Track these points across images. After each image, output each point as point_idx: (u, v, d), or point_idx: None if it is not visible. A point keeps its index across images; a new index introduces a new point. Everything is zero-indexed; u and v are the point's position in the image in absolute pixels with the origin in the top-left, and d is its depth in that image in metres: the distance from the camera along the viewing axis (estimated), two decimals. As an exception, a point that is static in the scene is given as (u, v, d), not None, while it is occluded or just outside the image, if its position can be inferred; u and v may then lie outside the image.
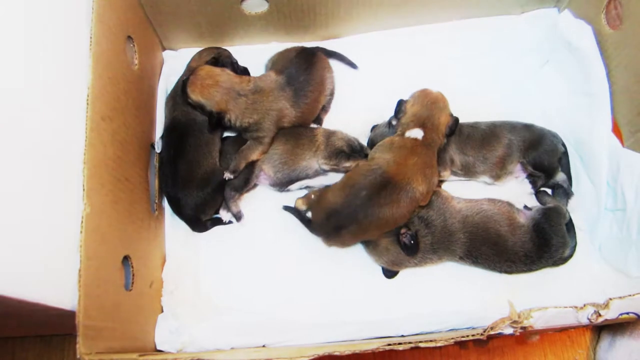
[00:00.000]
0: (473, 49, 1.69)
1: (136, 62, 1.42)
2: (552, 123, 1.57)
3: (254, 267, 1.49)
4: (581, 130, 1.51)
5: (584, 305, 1.02)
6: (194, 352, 1.28)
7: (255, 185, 1.56)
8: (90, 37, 1.16)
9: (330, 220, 1.36)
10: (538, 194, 1.53)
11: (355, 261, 1.48)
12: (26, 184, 1.01)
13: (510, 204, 1.46)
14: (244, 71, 1.59)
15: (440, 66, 1.69)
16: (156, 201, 1.48)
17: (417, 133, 1.39)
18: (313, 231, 1.44)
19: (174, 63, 1.65)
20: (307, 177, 1.51)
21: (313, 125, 1.60)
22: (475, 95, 1.65)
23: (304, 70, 1.51)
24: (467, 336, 1.01)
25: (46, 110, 1.09)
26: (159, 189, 1.49)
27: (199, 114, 1.48)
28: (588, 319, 1.02)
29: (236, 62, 1.60)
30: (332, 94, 1.63)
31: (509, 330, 1.02)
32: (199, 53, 1.61)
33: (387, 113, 1.50)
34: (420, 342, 1.00)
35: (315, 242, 1.46)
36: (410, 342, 1.00)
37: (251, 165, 1.49)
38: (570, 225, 1.45)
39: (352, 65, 1.68)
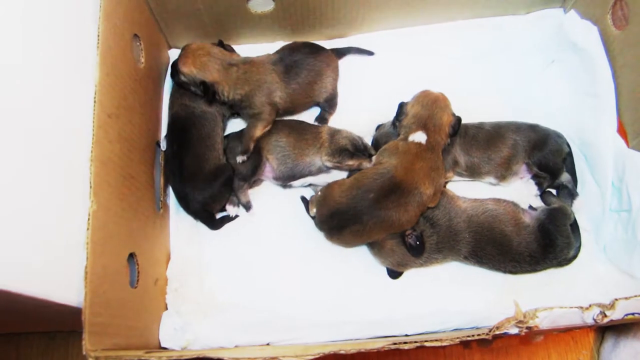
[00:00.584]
0: (478, 49, 1.69)
1: (142, 60, 1.42)
2: (557, 123, 1.56)
3: (258, 265, 1.49)
4: (586, 131, 1.51)
5: (590, 306, 1.01)
6: (198, 350, 1.28)
7: (260, 181, 1.57)
8: (98, 35, 1.16)
9: (333, 218, 1.37)
10: (543, 194, 1.53)
11: (360, 260, 1.48)
12: (33, 181, 1.02)
13: (515, 204, 1.46)
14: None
15: (446, 66, 1.69)
16: (161, 199, 1.48)
17: (420, 137, 1.39)
18: (317, 226, 1.44)
19: (180, 62, 1.65)
20: (309, 173, 1.51)
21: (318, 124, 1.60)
22: (480, 95, 1.65)
23: (302, 53, 1.54)
24: (473, 336, 1.01)
25: (53, 107, 1.10)
26: (164, 187, 1.50)
27: (196, 105, 1.49)
28: (594, 319, 1.02)
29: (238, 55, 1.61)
30: (332, 95, 1.61)
31: (514, 330, 1.01)
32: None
33: (392, 112, 1.50)
34: (426, 341, 1.00)
35: (320, 240, 1.46)
36: (415, 342, 1.00)
37: (258, 154, 1.49)
38: (575, 226, 1.45)
39: (369, 53, 1.69)
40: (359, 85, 1.66)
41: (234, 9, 1.55)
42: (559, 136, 1.53)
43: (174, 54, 1.68)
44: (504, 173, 1.52)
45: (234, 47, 1.64)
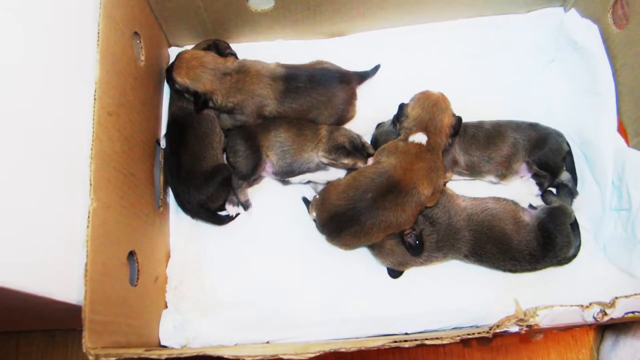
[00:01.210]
0: (479, 48, 1.69)
1: (142, 58, 1.42)
2: (557, 122, 1.57)
3: (258, 262, 1.49)
4: (586, 130, 1.51)
5: (590, 304, 1.01)
6: (198, 348, 1.29)
7: (260, 178, 1.57)
8: (98, 33, 1.16)
9: (333, 221, 1.37)
10: (543, 193, 1.53)
11: (360, 258, 1.48)
12: (33, 179, 1.01)
13: (515, 203, 1.46)
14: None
15: (446, 65, 1.69)
16: (161, 197, 1.48)
17: (420, 138, 1.39)
18: (318, 229, 1.44)
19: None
20: (308, 170, 1.51)
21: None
22: (480, 93, 1.65)
23: (310, 82, 1.49)
24: (473, 334, 1.01)
25: (53, 105, 1.10)
26: (164, 185, 1.50)
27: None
28: (594, 317, 1.02)
29: (234, 53, 1.60)
30: (338, 121, 1.57)
31: (514, 329, 1.02)
32: (197, 45, 1.62)
33: (392, 111, 1.50)
34: (426, 339, 1.00)
35: (319, 239, 1.46)
36: (415, 340, 1.00)
37: (258, 152, 1.49)
38: (574, 225, 1.45)
39: (377, 68, 1.65)
40: (363, 71, 1.65)
41: (233, 7, 1.55)
42: (559, 135, 1.53)
43: (174, 51, 1.68)
44: (504, 172, 1.52)
45: (234, 45, 1.64)
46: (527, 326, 1.01)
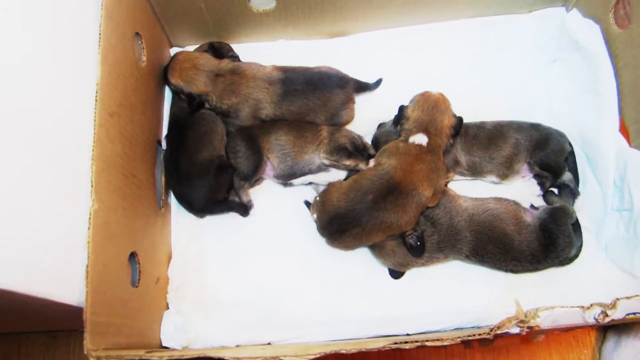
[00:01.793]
0: (480, 48, 1.69)
1: (144, 58, 1.42)
2: (559, 122, 1.56)
3: (259, 263, 1.49)
4: (588, 130, 1.51)
5: (591, 305, 1.01)
6: (199, 349, 1.28)
7: (261, 180, 1.57)
8: (99, 34, 1.16)
9: (333, 223, 1.37)
10: (545, 193, 1.53)
11: (361, 259, 1.48)
12: (34, 180, 1.02)
13: (516, 203, 1.46)
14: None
15: (447, 65, 1.68)
16: (162, 198, 1.48)
17: (421, 139, 1.39)
18: (319, 232, 1.44)
19: (181, 60, 1.65)
20: (309, 172, 1.51)
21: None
22: (482, 93, 1.64)
23: (307, 85, 1.49)
24: (474, 335, 1.01)
25: (54, 106, 1.10)
26: (166, 186, 1.50)
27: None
28: (595, 319, 1.01)
29: (237, 56, 1.60)
30: (332, 122, 1.57)
31: (515, 330, 1.01)
32: (200, 47, 1.62)
33: (393, 111, 1.50)
34: (427, 340, 1.00)
35: (321, 240, 1.45)
36: (416, 341, 1.00)
37: (259, 153, 1.49)
38: (576, 225, 1.45)
39: (378, 83, 1.64)
40: (364, 81, 1.65)
41: (235, 8, 1.55)
42: (561, 135, 1.52)
43: (175, 52, 1.67)
44: (505, 172, 1.51)
45: (235, 46, 1.64)
46: (528, 327, 1.01)
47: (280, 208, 1.55)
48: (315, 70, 1.53)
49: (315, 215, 1.43)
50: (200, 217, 1.53)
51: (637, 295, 1.00)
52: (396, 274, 1.46)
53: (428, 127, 1.40)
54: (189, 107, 1.48)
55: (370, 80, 1.64)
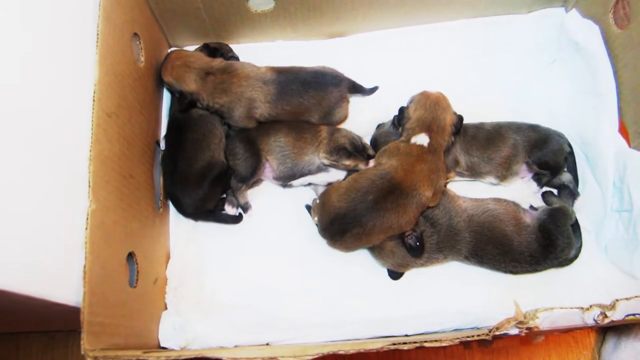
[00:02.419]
0: (480, 48, 1.69)
1: (142, 59, 1.42)
2: (558, 123, 1.56)
3: (258, 264, 1.49)
4: (587, 131, 1.50)
5: (590, 306, 1.01)
6: (197, 350, 1.28)
7: (260, 181, 1.56)
8: (97, 34, 1.16)
9: (334, 224, 1.36)
10: (544, 194, 1.52)
11: (360, 260, 1.48)
12: (32, 180, 1.01)
13: (516, 204, 1.45)
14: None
15: (447, 65, 1.68)
16: (161, 198, 1.48)
17: (422, 139, 1.39)
18: (319, 233, 1.44)
19: (179, 60, 1.65)
20: (309, 172, 1.50)
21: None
22: (481, 94, 1.64)
23: (302, 85, 1.49)
24: (473, 336, 1.01)
25: (52, 106, 1.09)
26: (164, 186, 1.49)
27: (194, 109, 1.49)
28: (594, 320, 1.01)
29: (237, 57, 1.60)
30: (326, 121, 1.56)
31: (514, 331, 1.01)
32: (199, 48, 1.61)
33: (392, 111, 1.50)
34: (426, 341, 0.99)
35: (319, 240, 1.45)
36: (415, 342, 0.99)
37: (257, 155, 1.49)
38: (576, 226, 1.45)
39: (374, 89, 1.64)
40: (360, 83, 1.64)
41: (234, 8, 1.54)
42: (559, 136, 1.52)
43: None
44: (504, 173, 1.51)
45: (234, 46, 1.64)
46: (527, 328, 1.00)
47: (279, 209, 1.55)
48: (309, 69, 1.53)
49: (316, 218, 1.42)
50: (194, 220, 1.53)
51: (636, 297, 1.00)
52: (395, 274, 1.45)
53: (431, 125, 1.39)
54: (179, 105, 1.48)
55: (369, 80, 1.64)
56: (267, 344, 1.35)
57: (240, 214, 1.54)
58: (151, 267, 1.36)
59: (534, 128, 1.52)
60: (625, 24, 1.43)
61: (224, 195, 1.54)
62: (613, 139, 1.43)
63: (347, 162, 1.46)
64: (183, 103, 1.47)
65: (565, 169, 1.53)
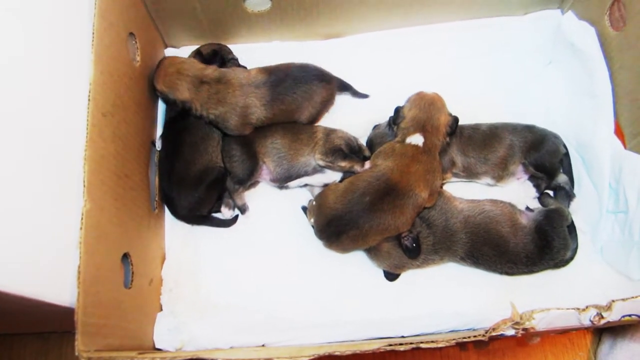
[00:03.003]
0: (476, 50, 1.69)
1: (138, 58, 1.41)
2: (554, 124, 1.56)
3: (253, 265, 1.48)
4: (583, 132, 1.50)
5: (587, 307, 1.01)
6: (193, 351, 1.27)
7: (257, 183, 1.56)
8: (92, 33, 1.15)
9: (331, 225, 1.36)
10: (540, 195, 1.52)
11: (356, 261, 1.48)
12: (26, 180, 1.01)
13: (512, 205, 1.45)
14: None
15: (443, 66, 1.68)
16: (156, 199, 1.47)
17: (417, 139, 1.39)
18: (316, 235, 1.44)
19: (176, 61, 1.64)
20: (305, 174, 1.50)
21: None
22: (478, 95, 1.64)
23: (294, 80, 1.49)
24: (469, 337, 1.01)
25: (47, 105, 1.09)
26: (159, 187, 1.49)
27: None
28: (590, 320, 1.01)
29: (236, 59, 1.60)
30: (311, 120, 1.57)
31: (510, 332, 1.01)
32: (198, 49, 1.61)
33: (388, 112, 1.50)
34: (422, 342, 0.99)
35: (315, 242, 1.45)
36: (411, 343, 0.99)
37: (254, 157, 1.48)
38: (572, 227, 1.45)
39: (364, 96, 1.65)
40: (356, 84, 1.64)
41: (230, 8, 1.54)
42: (555, 137, 1.52)
43: (170, 52, 1.67)
44: (500, 173, 1.51)
45: (230, 46, 1.63)
46: (523, 329, 1.00)
47: (275, 210, 1.55)
48: (297, 65, 1.53)
49: (312, 220, 1.42)
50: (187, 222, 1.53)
51: (632, 297, 1.00)
52: (391, 276, 1.45)
53: (425, 125, 1.39)
54: (170, 113, 1.47)
55: (365, 81, 1.65)
56: (263, 345, 1.35)
57: (233, 216, 1.53)
58: (146, 268, 1.36)
59: (530, 129, 1.52)
60: (621, 26, 1.43)
61: (220, 199, 1.53)
62: (609, 141, 1.43)
63: (343, 164, 1.46)
64: (174, 110, 1.46)
65: (561, 170, 1.53)
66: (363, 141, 1.57)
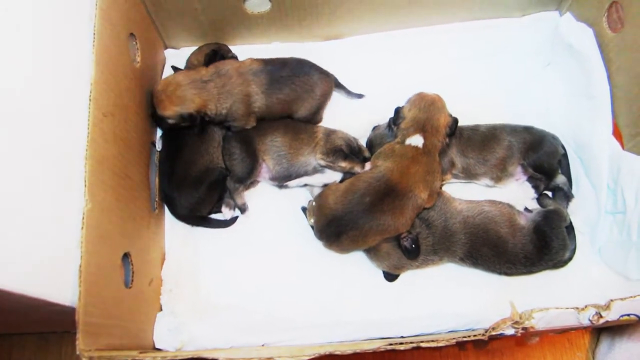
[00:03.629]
0: (474, 51, 1.70)
1: (138, 59, 1.42)
2: (552, 125, 1.57)
3: (253, 265, 1.49)
4: (582, 133, 1.51)
5: (585, 307, 1.01)
6: (193, 351, 1.28)
7: (256, 182, 1.56)
8: (94, 34, 1.16)
9: (331, 226, 1.36)
10: (539, 196, 1.53)
11: (356, 262, 1.48)
12: (28, 180, 1.01)
13: (510, 206, 1.46)
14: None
15: (442, 68, 1.69)
16: (156, 199, 1.47)
17: (417, 140, 1.39)
18: (316, 235, 1.44)
19: (176, 61, 1.65)
20: (305, 173, 1.51)
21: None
22: (476, 97, 1.65)
23: (292, 71, 1.50)
24: (469, 336, 1.01)
25: (48, 106, 1.09)
26: (159, 187, 1.49)
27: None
28: (589, 320, 1.02)
29: (235, 57, 1.60)
30: (309, 117, 1.57)
31: (510, 331, 1.01)
32: (199, 48, 1.62)
33: (388, 113, 1.50)
34: (422, 342, 1.00)
35: (315, 241, 1.46)
36: (411, 342, 1.00)
37: (254, 155, 1.48)
38: (570, 228, 1.45)
39: (359, 96, 1.66)
40: (356, 86, 1.65)
41: (230, 9, 1.55)
42: (554, 138, 1.53)
43: (170, 53, 1.68)
44: (499, 174, 1.52)
45: (231, 47, 1.64)
46: (523, 329, 1.01)
47: (275, 210, 1.55)
48: (294, 58, 1.54)
49: (312, 220, 1.42)
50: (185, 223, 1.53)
51: (631, 297, 1.01)
52: (391, 276, 1.46)
53: (425, 125, 1.40)
54: (198, 127, 1.43)
55: (364, 83, 1.66)
56: (263, 345, 1.35)
57: (232, 216, 1.53)
58: (146, 268, 1.36)
59: (528, 130, 1.53)
60: (619, 28, 1.44)
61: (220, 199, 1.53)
62: (607, 142, 1.43)
63: (343, 164, 1.47)
64: (196, 125, 1.42)
65: (560, 171, 1.54)
66: (363, 142, 1.58)
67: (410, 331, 1.35)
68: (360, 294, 1.46)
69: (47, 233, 1.04)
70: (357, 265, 1.48)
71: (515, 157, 1.50)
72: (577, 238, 1.46)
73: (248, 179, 1.50)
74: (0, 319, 1.29)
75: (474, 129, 1.53)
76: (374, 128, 1.60)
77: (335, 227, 1.36)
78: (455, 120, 1.44)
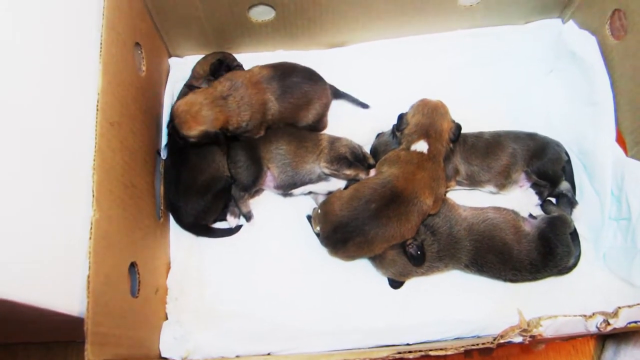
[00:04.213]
0: (478, 59, 1.70)
1: (144, 68, 1.42)
2: (556, 132, 1.57)
3: (259, 273, 1.49)
4: (585, 140, 1.52)
5: (593, 314, 1.02)
6: (199, 359, 1.28)
7: (261, 190, 1.56)
8: (100, 43, 1.16)
9: (337, 232, 1.36)
10: (543, 203, 1.53)
11: (361, 269, 1.48)
12: (34, 190, 1.01)
13: (515, 213, 1.46)
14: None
15: (445, 75, 1.70)
16: (162, 208, 1.47)
17: (422, 147, 1.40)
18: (321, 242, 1.44)
19: (181, 70, 1.66)
20: (310, 181, 1.51)
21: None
22: (479, 104, 1.66)
23: (300, 77, 1.51)
24: (477, 344, 1.01)
25: (55, 115, 1.10)
26: (165, 196, 1.49)
27: None
28: (597, 327, 1.02)
29: (241, 66, 1.60)
30: (314, 125, 1.58)
31: (518, 339, 1.02)
32: (204, 57, 1.62)
33: (391, 121, 1.51)
34: (431, 350, 1.00)
35: (321, 249, 1.46)
36: (420, 350, 1.00)
37: (259, 163, 1.49)
38: (574, 235, 1.46)
39: (364, 105, 1.66)
40: (359, 93, 1.66)
41: (234, 18, 1.55)
42: (557, 145, 1.54)
43: (174, 62, 1.68)
44: (503, 182, 1.52)
45: (235, 55, 1.64)
46: (531, 336, 1.01)
47: (280, 218, 1.55)
48: (298, 64, 1.55)
49: (317, 228, 1.43)
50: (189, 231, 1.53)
51: (638, 304, 1.01)
52: (396, 283, 1.46)
53: (428, 130, 1.41)
54: (222, 146, 1.44)
55: (369, 90, 1.66)
56: (269, 354, 1.35)
57: (237, 225, 1.53)
58: (152, 277, 1.36)
59: (532, 137, 1.53)
60: (622, 35, 1.45)
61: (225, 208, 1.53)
62: (610, 148, 1.44)
63: (348, 172, 1.47)
64: (222, 142, 1.42)
65: (563, 178, 1.54)
66: (367, 149, 1.58)
67: (416, 338, 1.35)
68: (365, 301, 1.45)
69: (54, 243, 1.04)
70: (362, 273, 1.48)
71: (519, 164, 1.51)
72: (582, 244, 1.46)
73: (253, 187, 1.50)
74: (5, 328, 1.29)
75: (478, 136, 1.54)
76: (378, 135, 1.60)
77: (342, 233, 1.36)
78: (459, 126, 1.44)
